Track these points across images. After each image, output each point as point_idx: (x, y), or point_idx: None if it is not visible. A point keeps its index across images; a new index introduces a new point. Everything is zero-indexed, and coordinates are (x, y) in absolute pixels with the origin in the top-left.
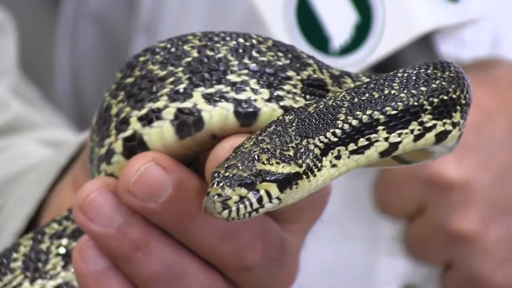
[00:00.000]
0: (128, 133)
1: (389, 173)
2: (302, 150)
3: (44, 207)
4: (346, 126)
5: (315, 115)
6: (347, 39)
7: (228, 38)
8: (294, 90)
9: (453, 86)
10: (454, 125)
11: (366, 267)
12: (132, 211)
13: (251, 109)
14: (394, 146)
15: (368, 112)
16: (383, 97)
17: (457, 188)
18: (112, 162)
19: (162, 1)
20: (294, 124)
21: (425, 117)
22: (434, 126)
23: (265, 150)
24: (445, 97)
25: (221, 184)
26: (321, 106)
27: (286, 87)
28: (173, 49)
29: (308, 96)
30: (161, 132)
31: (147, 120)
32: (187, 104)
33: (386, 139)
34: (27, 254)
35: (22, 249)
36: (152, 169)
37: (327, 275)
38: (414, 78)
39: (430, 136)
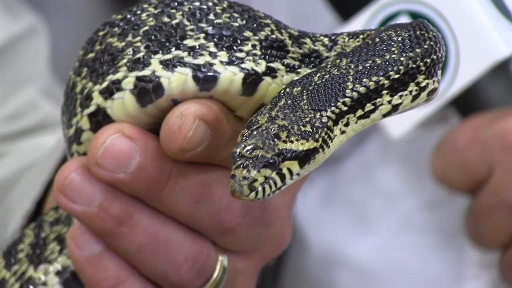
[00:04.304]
0: (91, 108)
1: (478, 205)
2: (317, 124)
3: (51, 189)
4: (354, 94)
5: (322, 85)
6: None
7: (184, 3)
8: (254, 51)
9: (438, 45)
10: (438, 82)
11: (454, 277)
12: (111, 187)
13: (210, 73)
14: (396, 107)
15: (374, 78)
16: (385, 62)
17: None
18: (82, 141)
19: None
20: (304, 96)
21: (420, 77)
22: (427, 85)
23: (282, 127)
24: (434, 57)
25: (246, 166)
26: (326, 76)
27: (245, 48)
28: (130, 20)
29: (269, 58)
30: (123, 103)
31: (108, 92)
32: (146, 72)
33: (389, 102)
34: (31, 244)
35: (26, 240)
36: (118, 140)
37: (415, 285)
38: (408, 40)
39: (424, 95)
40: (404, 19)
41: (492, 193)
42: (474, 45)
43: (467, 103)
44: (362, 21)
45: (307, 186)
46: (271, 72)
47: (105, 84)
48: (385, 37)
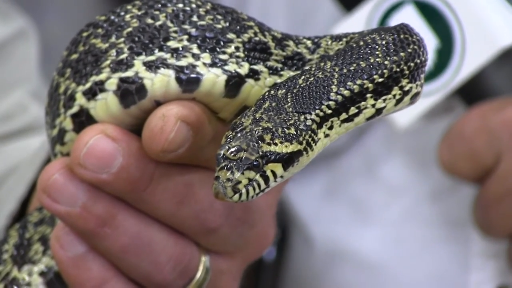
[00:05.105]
0: (75, 109)
1: (486, 193)
2: (301, 126)
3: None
4: (339, 98)
5: (307, 88)
6: (430, 65)
7: (168, 5)
8: (237, 54)
9: (421, 49)
10: (421, 86)
11: (460, 268)
12: (94, 188)
13: (193, 75)
14: (379, 111)
15: (358, 81)
16: (369, 65)
17: None
18: (65, 142)
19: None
20: (288, 99)
21: (404, 81)
22: (411, 89)
23: (266, 129)
24: (417, 60)
25: (229, 168)
26: (311, 79)
27: (228, 50)
28: (114, 21)
29: (252, 60)
30: (106, 104)
31: (91, 93)
32: (129, 73)
33: (373, 105)
34: (15, 244)
35: (11, 240)
36: (101, 141)
37: (420, 277)
38: (392, 44)
39: (407, 99)
40: (409, 9)
41: (500, 180)
42: (480, 32)
43: (473, 92)
44: (366, 12)
45: (308, 180)
46: (254, 74)
47: (88, 85)
48: (369, 41)
